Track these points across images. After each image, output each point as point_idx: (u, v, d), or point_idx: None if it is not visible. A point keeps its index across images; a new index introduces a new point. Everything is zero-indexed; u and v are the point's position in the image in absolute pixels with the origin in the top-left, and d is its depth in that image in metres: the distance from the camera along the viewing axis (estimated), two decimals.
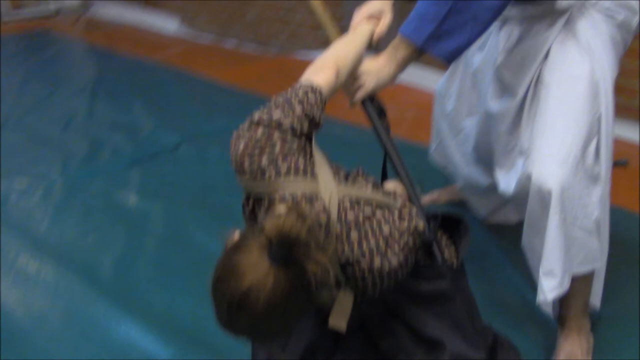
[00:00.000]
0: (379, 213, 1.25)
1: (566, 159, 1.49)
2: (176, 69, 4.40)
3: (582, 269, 1.57)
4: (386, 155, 1.48)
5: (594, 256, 1.57)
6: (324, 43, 1.52)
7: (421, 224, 1.29)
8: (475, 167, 2.09)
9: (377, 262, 1.20)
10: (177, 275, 2.20)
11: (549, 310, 1.64)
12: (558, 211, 1.48)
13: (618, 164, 2.82)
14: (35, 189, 2.77)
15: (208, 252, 2.26)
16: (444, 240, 1.43)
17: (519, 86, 1.64)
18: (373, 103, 1.50)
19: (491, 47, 1.77)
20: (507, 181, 1.71)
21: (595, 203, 1.53)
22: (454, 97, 2.05)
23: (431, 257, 1.35)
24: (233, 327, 1.11)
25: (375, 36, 1.54)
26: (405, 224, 1.26)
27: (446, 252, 1.39)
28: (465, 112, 2.02)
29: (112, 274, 2.22)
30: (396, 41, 1.47)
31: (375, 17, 1.55)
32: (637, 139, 3.04)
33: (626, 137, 3.06)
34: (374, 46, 1.55)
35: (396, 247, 1.23)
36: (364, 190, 1.27)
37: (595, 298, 1.70)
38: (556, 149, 1.50)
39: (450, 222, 1.47)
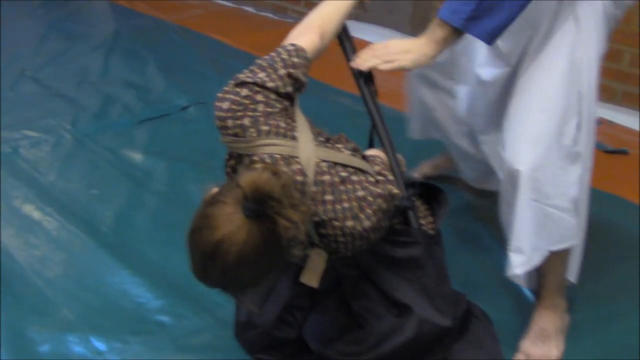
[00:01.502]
0: (354, 177, 1.29)
1: (538, 138, 1.51)
2: (194, 32, 4.42)
3: (557, 247, 1.59)
4: (372, 121, 1.51)
5: (570, 234, 1.59)
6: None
7: (395, 189, 1.33)
8: (468, 137, 2.09)
9: (349, 223, 1.25)
10: (175, 232, 2.23)
11: (521, 283, 1.67)
12: (528, 190, 1.50)
13: (619, 152, 2.83)
14: (45, 141, 2.85)
15: None
16: (421, 209, 1.47)
17: (512, 56, 1.63)
18: (362, 70, 1.52)
19: None
20: (494, 149, 1.73)
21: (572, 182, 1.54)
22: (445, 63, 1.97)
23: (407, 223, 1.39)
24: (205, 277, 1.17)
25: None
26: (380, 188, 1.31)
27: (423, 220, 1.43)
28: (460, 77, 1.95)
29: (112, 226, 2.29)
30: (435, 22, 1.47)
31: None
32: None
33: (631, 126, 3.06)
34: (364, 4, 1.55)
35: (369, 211, 1.27)
36: (342, 154, 1.31)
37: (572, 274, 1.72)
38: (529, 129, 1.52)
39: (430, 191, 1.51)
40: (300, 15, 4.64)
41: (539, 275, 1.76)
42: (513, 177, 1.52)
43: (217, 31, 4.42)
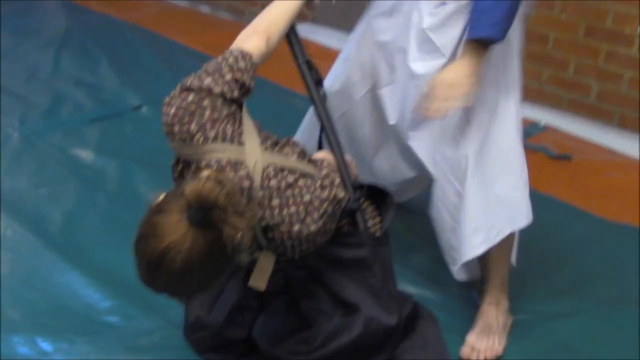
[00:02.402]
0: (301, 181, 1.31)
1: (480, 123, 1.61)
2: (147, 31, 4.37)
3: (513, 227, 1.67)
4: (321, 124, 1.54)
5: (522, 214, 1.66)
6: (299, 16, 1.55)
7: (341, 194, 1.36)
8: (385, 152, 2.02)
9: (296, 227, 1.27)
10: (125, 232, 2.19)
11: (463, 278, 1.75)
12: (475, 173, 1.58)
13: (563, 158, 2.93)
14: None
15: None
16: (369, 211, 1.50)
17: (446, 47, 1.65)
18: (311, 72, 1.55)
19: (406, 13, 1.73)
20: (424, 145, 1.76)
21: (517, 161, 1.66)
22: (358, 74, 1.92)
23: (354, 225, 1.42)
24: (152, 284, 1.18)
25: None
26: (326, 192, 1.33)
27: (370, 221, 1.47)
28: (384, 79, 1.88)
29: (60, 226, 2.26)
30: (471, 46, 1.53)
31: None
32: (586, 135, 3.15)
33: (576, 133, 3.17)
34: (313, 1, 1.57)
35: (315, 215, 1.29)
36: (289, 159, 1.33)
37: (512, 257, 1.83)
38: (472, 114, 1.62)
39: (377, 193, 1.54)
40: (256, 17, 4.65)
41: (482, 269, 1.82)
42: (459, 163, 1.59)
43: (172, 31, 4.38)
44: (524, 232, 2.16)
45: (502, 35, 1.50)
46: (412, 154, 1.81)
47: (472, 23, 1.52)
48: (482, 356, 1.73)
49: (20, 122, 2.95)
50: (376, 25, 1.82)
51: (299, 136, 2.05)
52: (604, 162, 2.92)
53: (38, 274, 2.01)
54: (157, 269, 1.13)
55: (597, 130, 3.14)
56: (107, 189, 2.51)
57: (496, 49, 1.59)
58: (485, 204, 1.63)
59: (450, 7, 1.62)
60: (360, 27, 1.91)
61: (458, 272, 1.77)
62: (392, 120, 1.83)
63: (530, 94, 3.34)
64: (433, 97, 1.55)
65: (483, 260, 1.76)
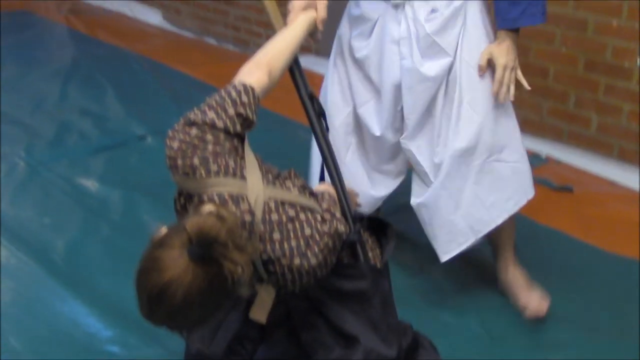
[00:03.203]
0: (302, 215, 1.33)
1: (487, 112, 1.88)
2: (154, 62, 4.44)
3: (524, 199, 1.97)
4: (323, 156, 1.56)
5: (529, 184, 1.98)
6: (302, 47, 1.60)
7: (342, 227, 1.38)
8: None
9: (296, 261, 1.28)
10: (128, 262, 2.20)
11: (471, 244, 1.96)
12: (484, 153, 1.87)
13: (564, 190, 2.94)
14: None
15: None
16: (369, 242, 1.51)
17: (450, 46, 1.84)
18: (314, 104, 1.57)
19: (389, 28, 1.88)
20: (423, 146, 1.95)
21: (514, 135, 1.96)
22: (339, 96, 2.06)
23: (355, 257, 1.44)
24: (152, 317, 1.19)
25: (318, 23, 1.59)
26: (327, 226, 1.35)
27: (370, 253, 1.48)
28: (365, 96, 2.02)
29: (63, 255, 2.28)
30: (508, 32, 1.82)
31: (311, 6, 1.60)
32: (587, 167, 3.17)
33: (577, 165, 3.19)
34: (316, 33, 1.62)
35: (316, 248, 1.31)
36: (290, 193, 1.35)
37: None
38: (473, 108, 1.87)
39: (378, 225, 1.56)
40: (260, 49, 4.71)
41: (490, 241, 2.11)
42: (467, 150, 1.85)
43: (178, 62, 4.45)
44: (526, 262, 2.19)
45: (546, 19, 1.83)
46: (401, 158, 2.04)
47: (522, 12, 1.80)
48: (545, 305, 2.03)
49: (26, 151, 2.99)
50: (356, 44, 1.97)
51: (315, 167, 2.15)
52: (605, 194, 2.93)
53: (40, 302, 2.03)
54: (158, 303, 1.14)
55: (597, 162, 3.16)
56: (111, 219, 2.53)
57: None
58: (499, 180, 1.91)
59: (448, 11, 1.81)
60: (335, 48, 2.07)
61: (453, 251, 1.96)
62: (377, 132, 1.98)
63: (532, 126, 3.38)
64: (499, 83, 1.82)
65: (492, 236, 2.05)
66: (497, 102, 1.87)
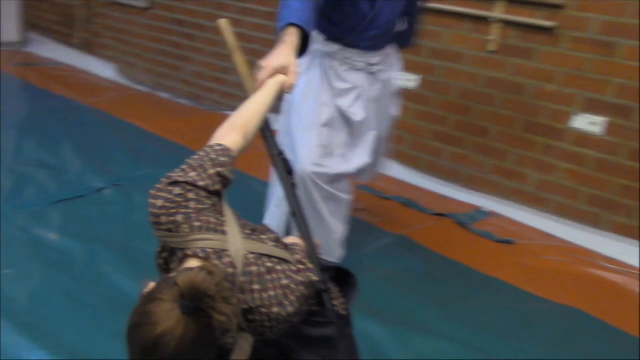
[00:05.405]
0: (279, 267, 1.43)
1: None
2: (109, 114, 4.50)
3: None
4: (292, 210, 1.67)
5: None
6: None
7: (314, 277, 1.49)
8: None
9: (275, 310, 1.38)
10: (90, 312, 2.30)
11: None
12: None
13: (506, 242, 3.14)
14: None
15: (122, 292, 2.39)
16: (334, 291, 1.62)
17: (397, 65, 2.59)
18: (283, 162, 1.69)
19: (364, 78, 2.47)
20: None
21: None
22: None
23: (322, 305, 1.54)
24: None
25: (288, 88, 1.72)
26: (301, 276, 1.45)
27: (336, 301, 1.59)
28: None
29: (26, 306, 2.29)
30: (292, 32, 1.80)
31: (283, 71, 1.72)
32: (527, 221, 3.38)
33: (518, 219, 3.40)
34: (282, 96, 1.74)
35: (292, 297, 1.41)
36: (266, 245, 1.45)
37: None
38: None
39: (341, 274, 1.67)
40: (214, 104, 4.84)
41: None
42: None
43: (133, 115, 4.52)
44: (472, 309, 2.33)
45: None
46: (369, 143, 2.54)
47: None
48: None
49: None
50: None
51: (269, 219, 2.52)
52: (543, 246, 3.14)
53: (5, 354, 2.04)
54: (151, 355, 1.20)
55: (536, 216, 3.38)
56: (71, 270, 2.56)
57: None
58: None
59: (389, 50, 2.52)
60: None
61: None
62: (358, 117, 2.46)
63: (475, 182, 3.59)
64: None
65: None
66: None
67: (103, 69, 5.66)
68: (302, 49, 1.83)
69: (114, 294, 2.40)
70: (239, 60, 1.77)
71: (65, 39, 6.06)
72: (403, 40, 2.59)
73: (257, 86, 1.72)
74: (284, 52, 1.74)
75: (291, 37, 1.78)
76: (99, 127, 4.23)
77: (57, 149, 3.75)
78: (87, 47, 5.88)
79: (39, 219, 2.92)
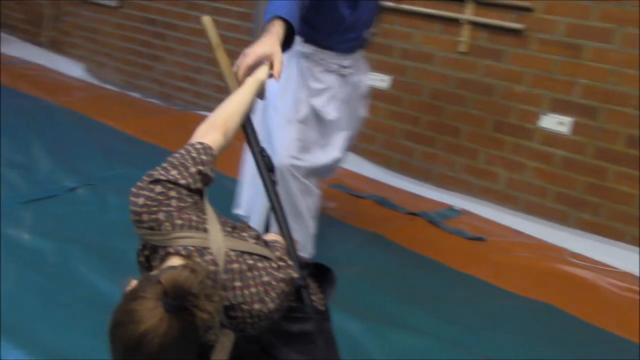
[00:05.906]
0: (259, 264, 1.45)
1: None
2: (79, 114, 4.45)
3: None
4: (272, 207, 1.69)
5: None
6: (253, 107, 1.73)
7: (294, 273, 1.51)
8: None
9: (256, 306, 1.40)
10: (67, 312, 2.29)
11: None
12: None
13: (477, 239, 3.20)
14: None
15: (97, 290, 2.39)
16: (312, 287, 1.65)
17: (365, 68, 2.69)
18: (264, 159, 1.70)
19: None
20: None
21: None
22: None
23: (301, 301, 1.57)
24: None
25: (276, 76, 1.72)
26: (282, 273, 1.48)
27: (314, 297, 1.61)
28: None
29: (1, 306, 2.27)
30: (277, 24, 1.82)
31: (266, 59, 1.72)
32: (497, 219, 3.45)
33: (488, 216, 3.47)
34: (263, 93, 1.75)
35: (273, 294, 1.43)
36: (247, 243, 1.47)
37: None
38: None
39: (320, 270, 1.70)
40: (186, 103, 4.83)
41: None
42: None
43: (103, 114, 4.48)
44: (445, 305, 2.38)
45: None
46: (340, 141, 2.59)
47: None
48: None
49: None
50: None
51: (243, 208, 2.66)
52: (513, 243, 3.20)
53: None
54: (135, 354, 1.21)
55: (506, 214, 3.45)
56: (45, 270, 2.53)
57: None
58: None
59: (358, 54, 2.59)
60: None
61: None
62: (331, 116, 2.52)
63: (446, 181, 3.65)
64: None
65: None
66: None
67: (72, 68, 5.59)
68: (286, 45, 1.85)
69: (89, 293, 2.39)
70: (222, 58, 1.78)
71: (33, 38, 5.97)
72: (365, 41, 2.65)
73: (239, 81, 1.73)
74: (268, 42, 1.76)
75: (277, 29, 1.81)
76: (70, 127, 4.18)
77: (27, 148, 3.70)
78: (56, 46, 5.81)
79: (11, 218, 2.88)
